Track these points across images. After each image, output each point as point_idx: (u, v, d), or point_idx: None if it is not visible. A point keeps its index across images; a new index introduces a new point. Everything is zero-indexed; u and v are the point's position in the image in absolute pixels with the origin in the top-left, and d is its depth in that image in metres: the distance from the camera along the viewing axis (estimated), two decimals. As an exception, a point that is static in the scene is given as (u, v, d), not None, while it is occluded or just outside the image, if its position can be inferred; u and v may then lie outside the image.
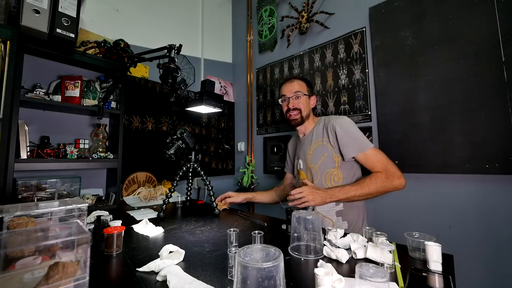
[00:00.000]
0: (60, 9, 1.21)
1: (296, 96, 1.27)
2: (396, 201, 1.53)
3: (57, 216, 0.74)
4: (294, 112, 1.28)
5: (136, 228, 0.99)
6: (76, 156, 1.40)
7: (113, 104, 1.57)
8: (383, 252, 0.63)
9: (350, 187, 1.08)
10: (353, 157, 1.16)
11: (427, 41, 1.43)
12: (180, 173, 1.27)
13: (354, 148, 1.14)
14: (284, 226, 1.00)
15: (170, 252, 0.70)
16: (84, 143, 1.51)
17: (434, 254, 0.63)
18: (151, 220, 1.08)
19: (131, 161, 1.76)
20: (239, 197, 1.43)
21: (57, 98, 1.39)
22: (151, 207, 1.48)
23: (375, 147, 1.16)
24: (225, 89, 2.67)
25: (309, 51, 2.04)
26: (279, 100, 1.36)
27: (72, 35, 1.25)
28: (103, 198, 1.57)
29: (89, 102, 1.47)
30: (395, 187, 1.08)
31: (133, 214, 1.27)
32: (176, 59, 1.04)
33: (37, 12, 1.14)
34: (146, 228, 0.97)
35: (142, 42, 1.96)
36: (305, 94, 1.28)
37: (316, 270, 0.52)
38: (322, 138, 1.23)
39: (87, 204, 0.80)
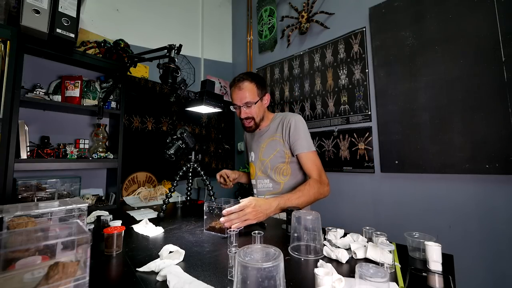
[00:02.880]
0: (60, 9, 1.21)
1: (246, 105, 1.20)
2: (396, 201, 1.53)
3: (57, 216, 0.74)
4: (247, 121, 1.24)
5: (136, 228, 0.99)
6: (76, 156, 1.40)
7: (113, 104, 1.57)
8: (383, 252, 0.63)
9: (292, 196, 1.04)
10: (296, 155, 1.18)
11: (427, 41, 1.43)
12: (180, 173, 1.27)
13: (303, 146, 1.16)
14: (284, 226, 1.00)
15: (170, 252, 0.70)
16: (84, 143, 1.51)
17: (434, 254, 0.63)
18: (151, 220, 1.08)
19: (131, 161, 1.76)
20: (234, 174, 1.38)
21: (57, 98, 1.39)
22: (151, 207, 1.48)
23: (315, 151, 1.19)
24: (225, 89, 2.67)
25: (309, 51, 2.04)
26: (231, 106, 1.26)
27: (72, 35, 1.25)
28: (103, 198, 1.57)
29: (89, 102, 1.47)
30: (324, 195, 1.13)
31: (133, 214, 1.27)
32: (176, 59, 1.04)
33: (37, 12, 1.14)
34: (146, 228, 0.97)
35: (142, 42, 1.96)
36: (256, 102, 1.20)
37: (316, 270, 0.52)
38: (276, 134, 1.24)
39: (87, 204, 0.80)
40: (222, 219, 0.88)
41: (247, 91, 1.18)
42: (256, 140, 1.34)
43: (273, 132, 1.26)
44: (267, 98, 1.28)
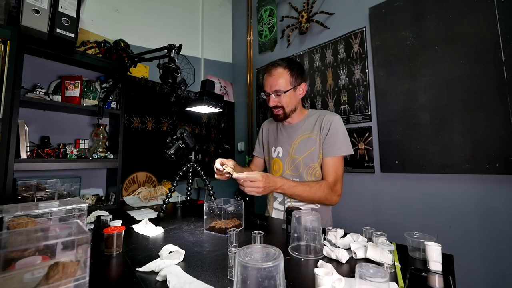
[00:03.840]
0: (60, 9, 1.21)
1: (276, 93, 1.11)
2: (396, 201, 1.53)
3: (57, 216, 0.74)
4: (276, 110, 1.16)
5: (136, 228, 0.99)
6: (76, 156, 1.40)
7: (113, 104, 1.57)
8: (383, 252, 0.63)
9: (297, 186, 1.03)
10: (325, 157, 1.11)
11: (427, 41, 1.43)
12: (180, 173, 1.27)
13: (339, 149, 1.09)
14: (284, 226, 1.00)
15: (170, 252, 0.70)
16: (84, 143, 1.51)
17: (434, 254, 0.63)
18: (151, 220, 1.08)
19: (131, 161, 1.76)
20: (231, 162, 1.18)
21: (57, 98, 1.39)
22: (151, 207, 1.48)
23: (342, 158, 1.12)
24: (225, 89, 2.67)
25: (309, 51, 2.04)
26: (261, 93, 1.18)
27: (72, 35, 1.25)
28: (103, 198, 1.57)
29: (89, 102, 1.47)
30: (330, 202, 1.09)
31: (133, 214, 1.27)
32: (176, 59, 1.04)
33: (37, 12, 1.14)
34: (146, 228, 0.97)
35: (142, 42, 1.96)
36: (287, 90, 1.10)
37: (316, 270, 0.52)
38: (312, 131, 1.15)
39: (87, 204, 0.80)
40: (234, 174, 0.96)
41: (279, 78, 1.09)
42: (286, 135, 1.22)
43: (309, 129, 1.16)
44: (302, 88, 1.15)
